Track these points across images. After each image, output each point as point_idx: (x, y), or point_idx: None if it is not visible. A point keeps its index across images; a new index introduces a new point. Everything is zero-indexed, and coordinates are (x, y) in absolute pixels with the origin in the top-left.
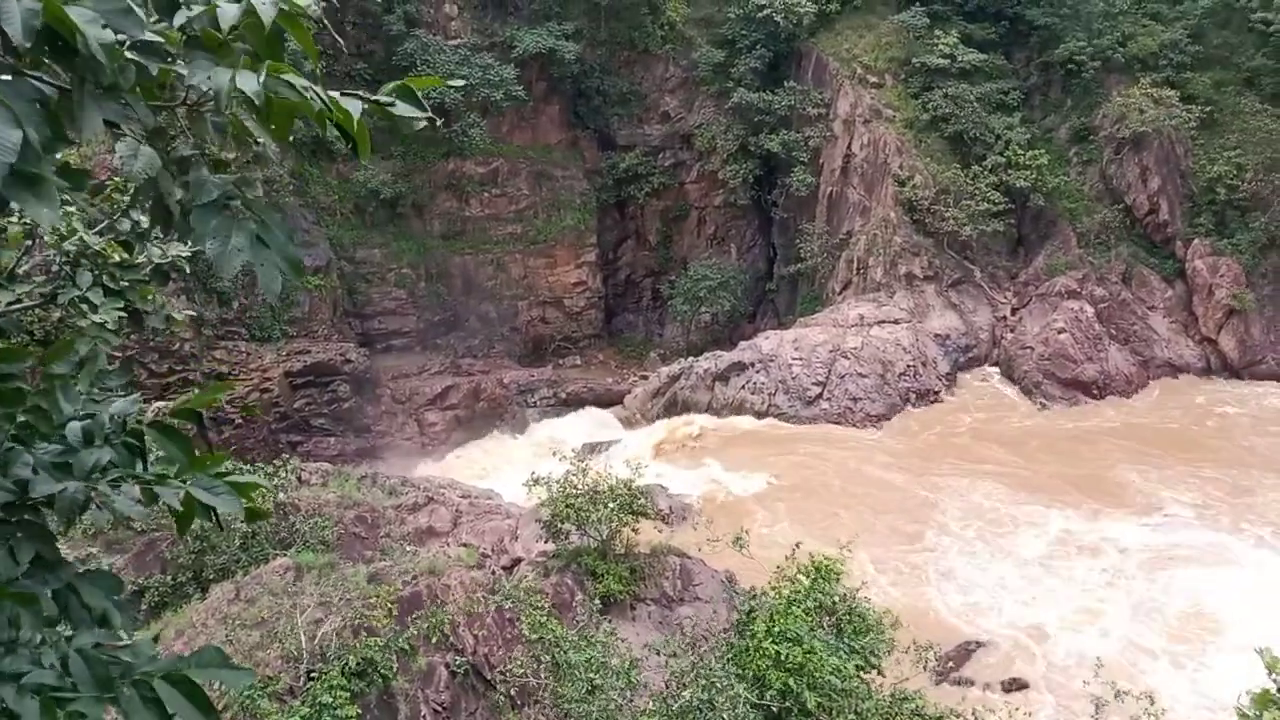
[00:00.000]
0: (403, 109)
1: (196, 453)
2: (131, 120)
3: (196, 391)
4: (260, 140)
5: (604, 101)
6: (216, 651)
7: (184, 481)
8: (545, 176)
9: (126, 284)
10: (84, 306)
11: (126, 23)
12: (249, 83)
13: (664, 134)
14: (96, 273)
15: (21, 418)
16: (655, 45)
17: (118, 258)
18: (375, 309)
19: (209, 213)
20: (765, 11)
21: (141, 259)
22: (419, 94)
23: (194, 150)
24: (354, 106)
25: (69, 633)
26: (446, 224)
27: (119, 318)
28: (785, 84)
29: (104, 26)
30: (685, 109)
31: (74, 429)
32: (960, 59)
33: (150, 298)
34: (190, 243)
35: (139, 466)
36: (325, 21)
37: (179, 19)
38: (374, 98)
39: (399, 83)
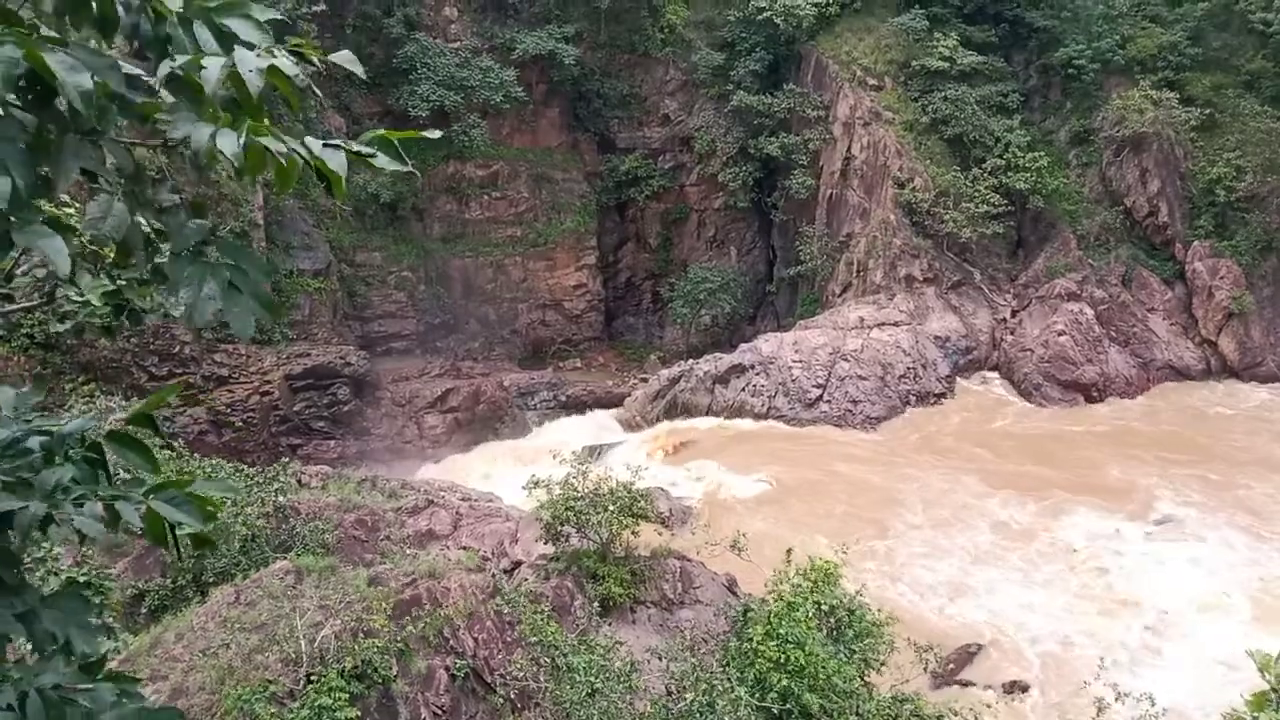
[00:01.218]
0: (383, 161)
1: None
2: (108, 169)
3: (200, 393)
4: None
5: (604, 104)
6: (176, 714)
7: (146, 496)
8: (545, 179)
9: (124, 283)
10: (72, 295)
11: (108, 74)
12: (228, 144)
13: (664, 137)
14: (94, 273)
15: None
16: (655, 48)
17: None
18: (375, 312)
19: (183, 262)
20: (765, 14)
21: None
22: (397, 146)
23: (171, 196)
24: (338, 162)
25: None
26: (446, 227)
27: (115, 314)
28: (785, 87)
29: (83, 73)
30: (685, 112)
31: (34, 445)
32: (960, 61)
33: (148, 296)
34: (166, 291)
35: (102, 481)
36: (315, 90)
37: (164, 69)
38: (356, 148)
39: (379, 134)
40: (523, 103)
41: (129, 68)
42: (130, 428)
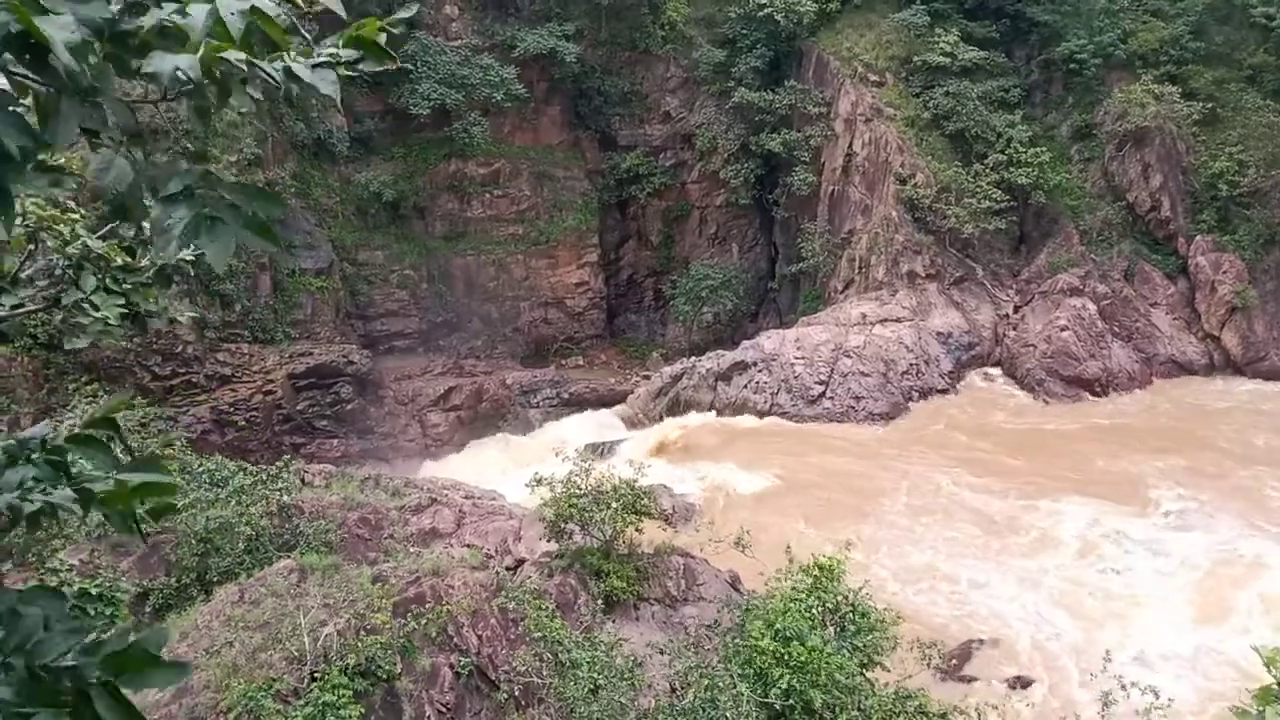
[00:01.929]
0: (369, 65)
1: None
2: (109, 127)
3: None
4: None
5: (605, 102)
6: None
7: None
8: (547, 177)
9: (129, 286)
10: (87, 309)
11: (99, 27)
12: (186, 61)
13: (665, 134)
14: (100, 276)
15: None
16: (656, 45)
17: (121, 261)
18: (378, 310)
19: (175, 204)
20: (766, 10)
21: (145, 262)
22: (377, 40)
23: (172, 149)
24: (330, 83)
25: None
26: (448, 225)
27: (121, 319)
28: (786, 83)
29: (73, 31)
30: (686, 109)
31: None
32: (961, 57)
33: (153, 300)
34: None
35: (62, 480)
36: (302, 30)
37: (151, 19)
38: (341, 61)
39: (360, 32)
40: (524, 100)
41: (124, 25)
42: (92, 430)
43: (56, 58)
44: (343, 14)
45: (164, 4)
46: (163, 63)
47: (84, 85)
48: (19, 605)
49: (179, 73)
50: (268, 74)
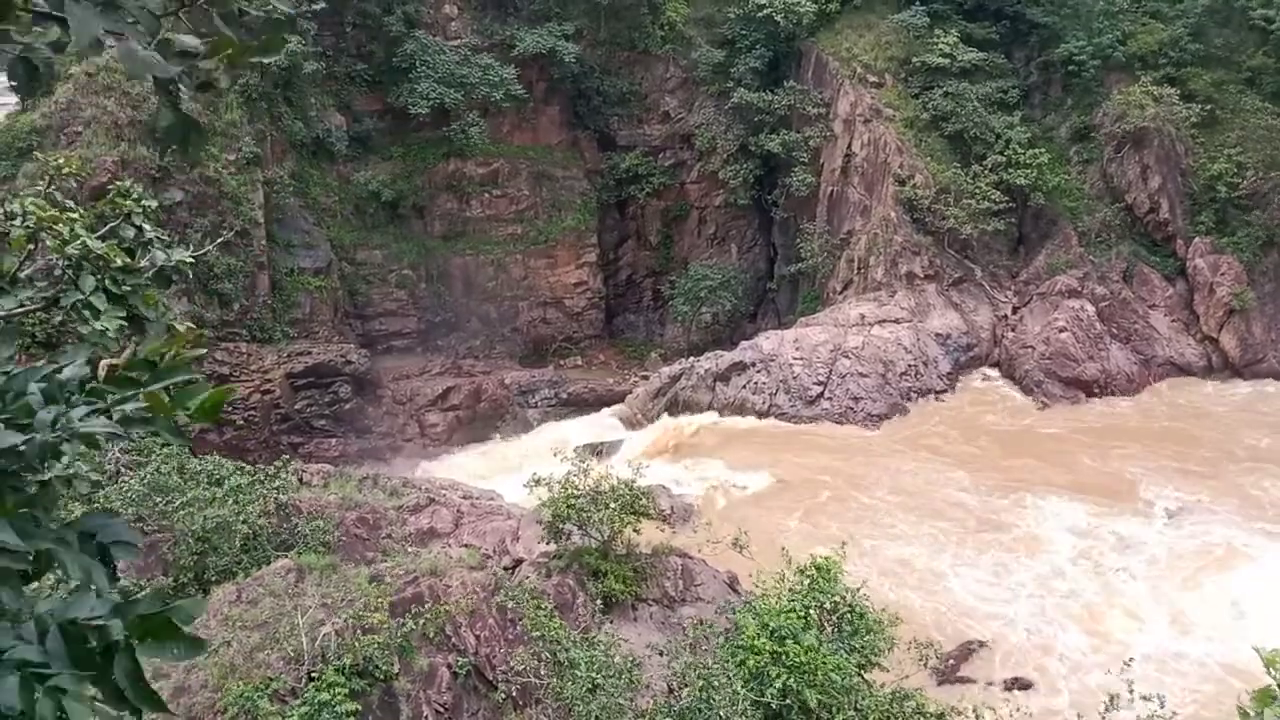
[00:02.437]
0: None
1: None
2: (135, 26)
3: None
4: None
5: (604, 102)
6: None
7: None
8: (546, 177)
9: (129, 288)
10: (86, 312)
11: None
12: None
13: (664, 134)
14: (99, 277)
15: None
16: (655, 45)
17: (120, 262)
18: (376, 310)
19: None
20: (765, 11)
21: (144, 263)
22: None
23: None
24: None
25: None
26: (447, 225)
27: (120, 325)
28: (785, 84)
29: None
30: (685, 109)
31: (34, 390)
32: (960, 58)
33: (154, 304)
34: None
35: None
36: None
37: None
38: None
39: None
40: (523, 100)
41: None
42: (132, 373)
43: None
44: None
45: None
46: None
47: None
48: (56, 546)
49: None
50: None
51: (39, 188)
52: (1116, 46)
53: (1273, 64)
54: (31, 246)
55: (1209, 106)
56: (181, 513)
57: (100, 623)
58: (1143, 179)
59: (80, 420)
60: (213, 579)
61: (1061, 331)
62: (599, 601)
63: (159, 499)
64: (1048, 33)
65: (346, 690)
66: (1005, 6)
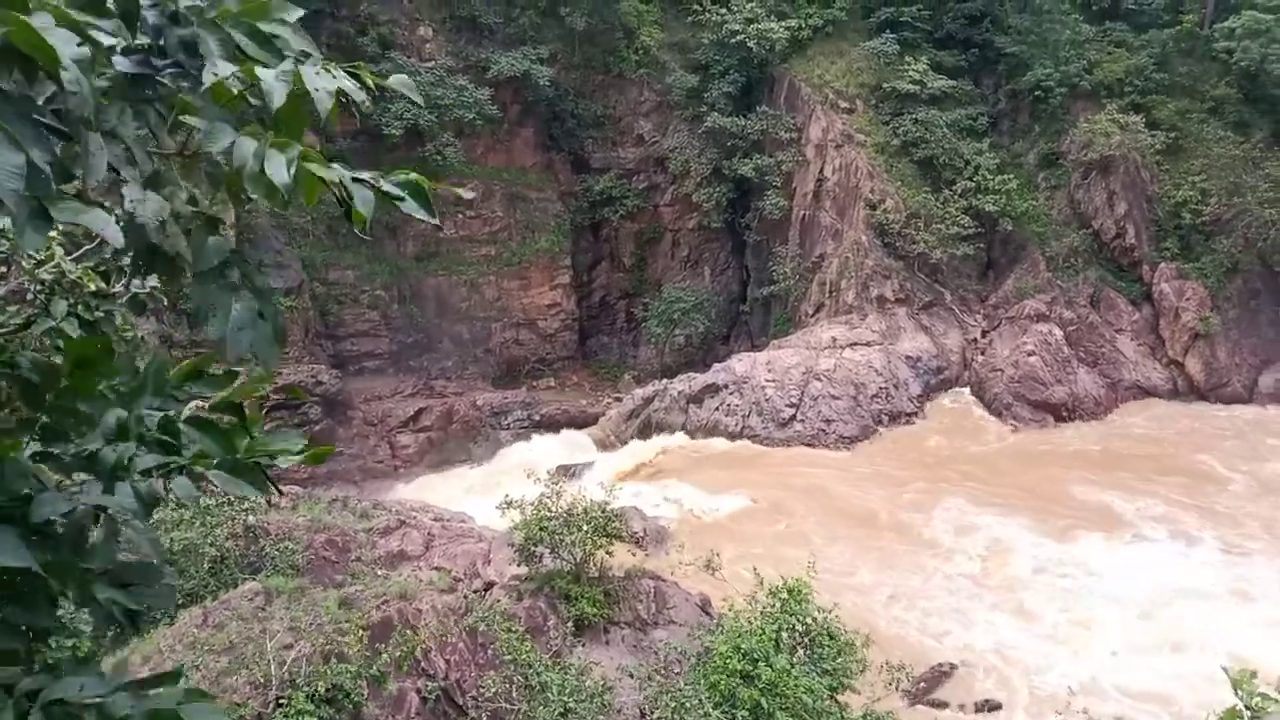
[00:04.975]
0: (410, 206)
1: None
2: (130, 166)
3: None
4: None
5: (578, 124)
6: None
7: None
8: (520, 199)
9: (102, 314)
10: (59, 340)
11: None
12: (279, 172)
13: (638, 157)
14: (72, 302)
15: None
16: (629, 70)
17: (94, 287)
18: (348, 330)
19: (207, 282)
20: (738, 37)
21: (119, 288)
22: (428, 195)
23: (188, 207)
24: (364, 199)
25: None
26: (420, 245)
27: None
28: (758, 109)
29: (79, 44)
30: (659, 133)
31: (107, 421)
32: (930, 85)
33: (127, 334)
34: (191, 312)
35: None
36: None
37: (208, 75)
38: (385, 188)
39: (412, 177)
40: (497, 122)
41: (130, 66)
42: (212, 415)
43: (63, 74)
44: (418, 99)
45: (216, 61)
46: (241, 149)
47: (86, 112)
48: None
49: (263, 176)
50: (346, 189)
51: None
52: (1083, 75)
53: (1234, 94)
54: (3, 269)
55: (1173, 135)
56: None
57: (98, 701)
58: (1109, 205)
59: (143, 478)
60: (179, 602)
61: (1030, 355)
62: (571, 624)
63: None
64: (1015, 61)
65: (315, 718)
66: (974, 35)
